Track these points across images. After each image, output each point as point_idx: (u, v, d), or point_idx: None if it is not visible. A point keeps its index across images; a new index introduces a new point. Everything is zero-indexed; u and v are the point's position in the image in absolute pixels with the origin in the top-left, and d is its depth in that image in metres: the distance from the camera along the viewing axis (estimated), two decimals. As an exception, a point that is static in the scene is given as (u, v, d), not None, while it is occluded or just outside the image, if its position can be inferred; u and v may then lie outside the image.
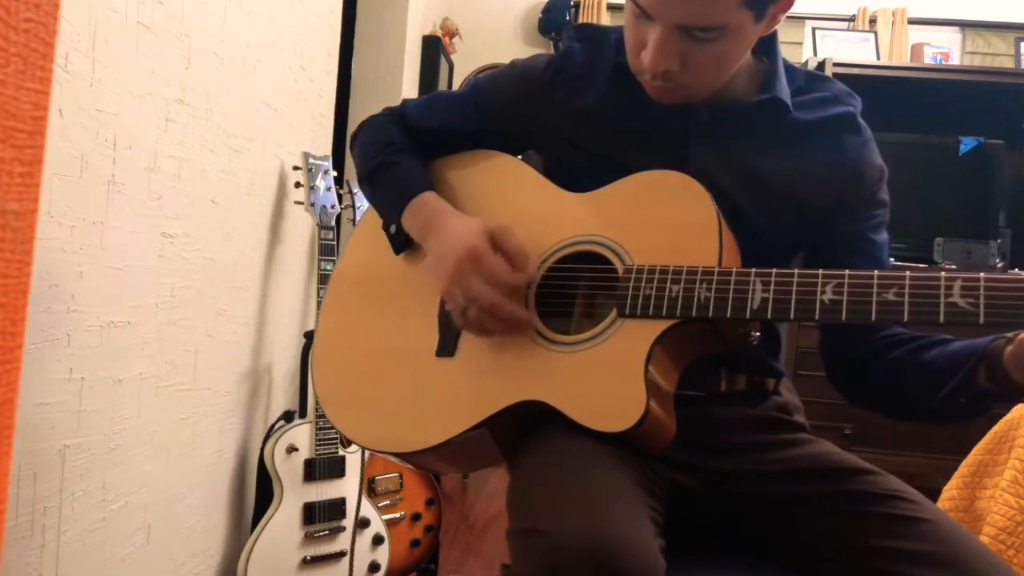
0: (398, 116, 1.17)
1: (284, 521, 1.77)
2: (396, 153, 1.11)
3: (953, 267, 2.91)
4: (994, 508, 1.42)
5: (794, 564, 0.93)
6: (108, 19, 1.21)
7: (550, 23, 3.49)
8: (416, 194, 1.06)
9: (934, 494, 1.06)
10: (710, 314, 0.86)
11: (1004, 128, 3.16)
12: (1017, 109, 3.13)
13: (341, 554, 1.83)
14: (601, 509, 0.75)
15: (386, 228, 1.09)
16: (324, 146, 2.21)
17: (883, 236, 1.07)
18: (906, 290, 0.79)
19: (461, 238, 0.96)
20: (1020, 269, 0.79)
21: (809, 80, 1.06)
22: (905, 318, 0.79)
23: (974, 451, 1.58)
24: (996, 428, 1.56)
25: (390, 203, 1.09)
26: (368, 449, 1.06)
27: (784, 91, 1.01)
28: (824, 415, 2.75)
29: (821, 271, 0.83)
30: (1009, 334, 0.85)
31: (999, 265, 3.02)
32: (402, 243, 1.08)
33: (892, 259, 2.93)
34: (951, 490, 1.59)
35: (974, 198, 3.12)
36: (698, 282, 0.87)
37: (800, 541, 0.93)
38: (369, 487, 1.94)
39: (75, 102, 1.15)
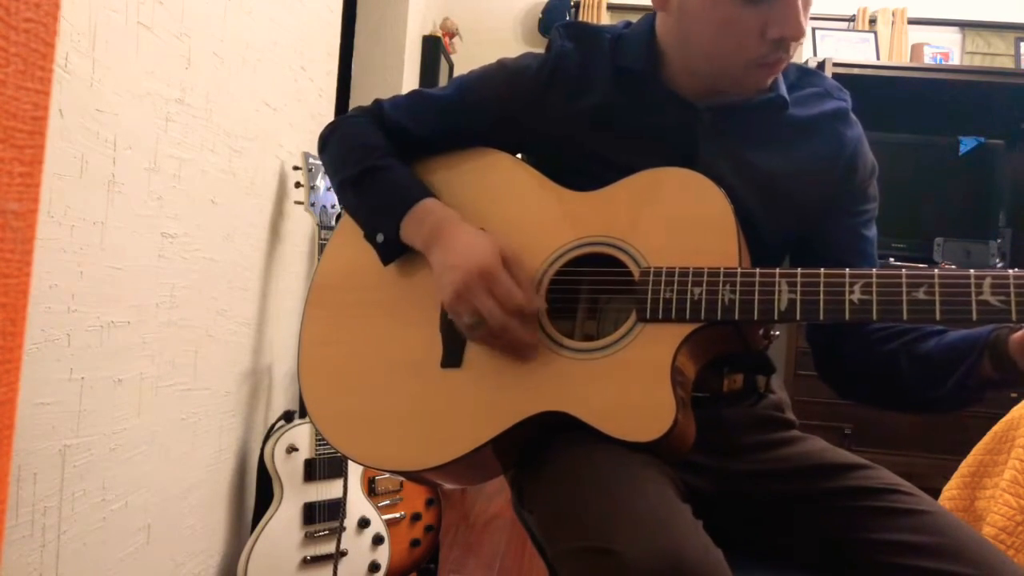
0: (376, 117, 1.10)
1: (284, 521, 1.77)
2: (384, 157, 1.05)
3: (952, 266, 2.91)
4: (994, 508, 1.42)
5: (797, 561, 0.94)
6: (108, 19, 1.21)
7: (550, 23, 3.49)
8: (417, 200, 1.00)
9: (934, 494, 1.06)
10: (736, 317, 0.84)
11: (1004, 128, 3.16)
12: (1017, 109, 3.13)
13: (341, 554, 1.83)
14: (664, 521, 0.73)
15: (371, 237, 1.02)
16: (324, 146, 2.21)
17: (872, 232, 1.07)
18: (936, 288, 0.79)
19: (474, 252, 0.92)
20: (1020, 268, 0.79)
21: (800, 75, 1.06)
22: (938, 317, 0.78)
23: (974, 451, 1.58)
24: (996, 428, 1.56)
25: (383, 211, 1.02)
26: (369, 467, 1.00)
27: (783, 88, 1.02)
28: (824, 415, 2.76)
29: (848, 271, 0.82)
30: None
31: (999, 265, 3.02)
32: (393, 253, 1.02)
33: (892, 259, 2.95)
34: (951, 490, 1.59)
35: (974, 198, 3.12)
36: (721, 284, 0.85)
37: (803, 538, 0.93)
38: (369, 487, 1.94)
39: (75, 102, 1.15)
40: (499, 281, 0.90)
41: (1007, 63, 3.38)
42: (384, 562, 1.90)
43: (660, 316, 0.87)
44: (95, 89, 1.19)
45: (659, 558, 0.69)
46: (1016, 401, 1.59)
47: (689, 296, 0.86)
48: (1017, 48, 3.36)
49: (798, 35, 0.91)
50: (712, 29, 0.93)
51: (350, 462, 1.87)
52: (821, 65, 3.02)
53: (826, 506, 0.92)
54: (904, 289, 0.80)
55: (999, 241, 3.06)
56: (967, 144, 3.11)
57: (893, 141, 3.04)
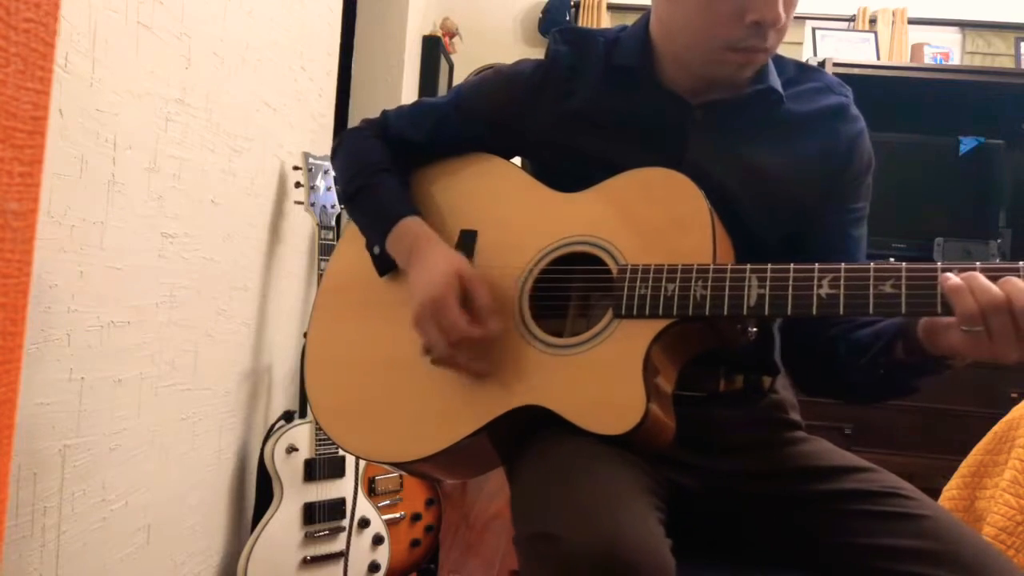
0: (380, 128, 1.15)
1: (284, 521, 1.77)
2: (377, 173, 1.10)
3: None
4: (994, 508, 1.42)
5: (795, 563, 0.93)
6: (108, 19, 1.21)
7: (550, 23, 3.49)
8: (397, 220, 1.04)
9: (934, 494, 1.06)
10: (707, 312, 0.85)
11: (1004, 128, 3.16)
12: (1017, 109, 3.13)
13: (341, 554, 1.83)
14: (611, 512, 0.75)
15: (370, 248, 1.08)
16: (324, 146, 2.21)
17: (860, 231, 1.07)
18: (903, 282, 0.79)
19: (431, 281, 0.95)
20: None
21: (800, 71, 1.06)
22: (903, 311, 0.79)
23: (974, 451, 1.58)
24: (996, 428, 1.56)
25: (372, 226, 1.08)
26: (366, 459, 1.05)
27: (776, 80, 1.01)
28: (824, 415, 2.75)
29: (817, 265, 0.83)
30: None
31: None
32: (386, 267, 1.06)
33: (892, 259, 2.95)
34: (951, 490, 1.59)
35: (974, 198, 3.11)
36: (693, 280, 0.87)
37: (800, 540, 0.93)
38: (369, 487, 1.94)
39: (75, 102, 1.15)
40: (445, 314, 0.93)
41: (1007, 63, 3.37)
42: (384, 562, 1.90)
43: (635, 312, 0.88)
44: (95, 89, 1.19)
45: (595, 543, 0.71)
46: (1016, 401, 1.59)
47: (663, 292, 0.87)
48: (1017, 48, 3.36)
49: (775, 20, 0.91)
50: (692, 12, 0.94)
51: (349, 463, 1.88)
52: (821, 65, 3.02)
53: (825, 508, 0.92)
54: (871, 283, 0.80)
55: (999, 241, 3.05)
56: (967, 144, 3.11)
57: (893, 141, 3.03)
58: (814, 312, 0.82)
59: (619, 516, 0.75)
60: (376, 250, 1.06)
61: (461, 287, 0.95)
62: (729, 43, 0.93)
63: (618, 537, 0.72)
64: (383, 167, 1.10)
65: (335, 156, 1.18)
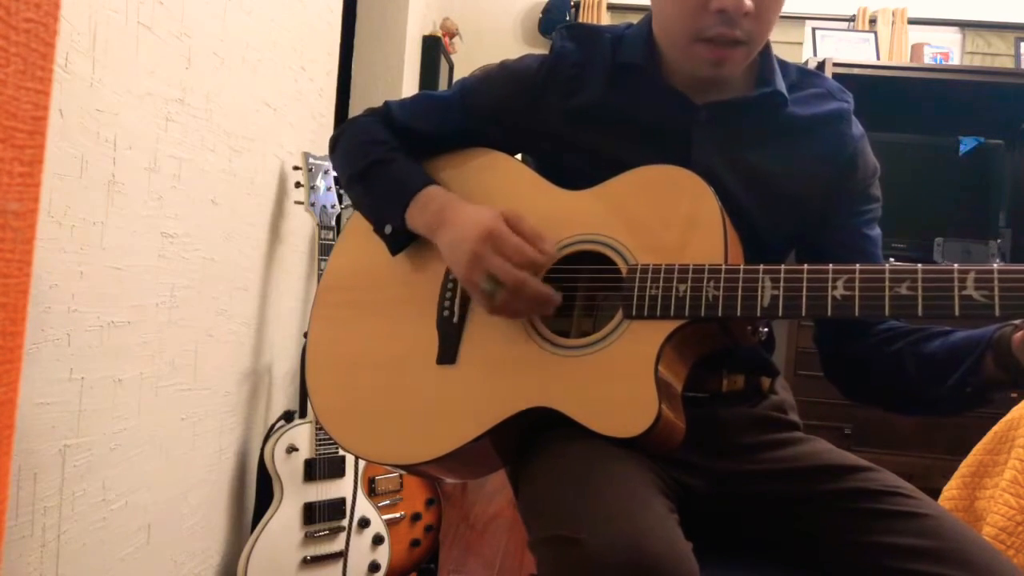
0: (383, 117, 1.13)
1: (284, 521, 1.77)
2: (390, 151, 1.08)
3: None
4: (994, 508, 1.42)
5: (797, 563, 0.93)
6: (108, 19, 1.21)
7: (550, 23, 3.49)
8: (421, 188, 1.02)
9: (934, 494, 1.05)
10: (719, 314, 0.85)
11: (1004, 128, 3.16)
12: (1017, 109, 3.13)
13: (341, 554, 1.83)
14: (632, 514, 0.74)
15: (379, 230, 1.05)
16: (324, 146, 2.21)
17: (876, 231, 1.07)
18: (919, 284, 0.78)
19: (477, 222, 0.93)
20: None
21: (801, 76, 1.06)
22: (920, 313, 0.78)
23: (974, 451, 1.58)
24: (996, 428, 1.56)
25: (389, 201, 1.05)
26: (370, 461, 1.03)
27: (782, 84, 1.02)
28: (824, 415, 2.75)
29: (831, 266, 0.82)
30: (1017, 321, 0.84)
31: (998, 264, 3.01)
32: (401, 243, 1.04)
33: (892, 259, 2.95)
34: (951, 490, 1.59)
35: (974, 198, 3.12)
36: (705, 280, 0.86)
37: (802, 540, 0.93)
38: (369, 487, 1.94)
39: (75, 102, 1.15)
40: (505, 240, 0.91)
41: (1007, 63, 3.38)
42: (384, 562, 1.90)
43: (645, 313, 0.87)
44: (95, 89, 1.19)
45: (621, 548, 0.70)
46: (1016, 401, 1.59)
47: (674, 293, 0.86)
48: (1017, 48, 3.36)
49: (737, 6, 0.90)
50: (666, 4, 0.95)
51: (349, 463, 1.88)
52: (821, 65, 3.02)
53: (825, 508, 0.92)
54: (887, 285, 0.79)
55: (999, 241, 3.06)
56: (967, 144, 3.11)
57: (893, 141, 3.03)
58: (828, 313, 0.81)
59: (641, 518, 0.74)
60: (388, 229, 1.04)
61: (507, 222, 0.93)
62: (697, 33, 0.93)
63: (642, 540, 0.71)
64: (393, 147, 1.09)
65: (338, 142, 1.15)
